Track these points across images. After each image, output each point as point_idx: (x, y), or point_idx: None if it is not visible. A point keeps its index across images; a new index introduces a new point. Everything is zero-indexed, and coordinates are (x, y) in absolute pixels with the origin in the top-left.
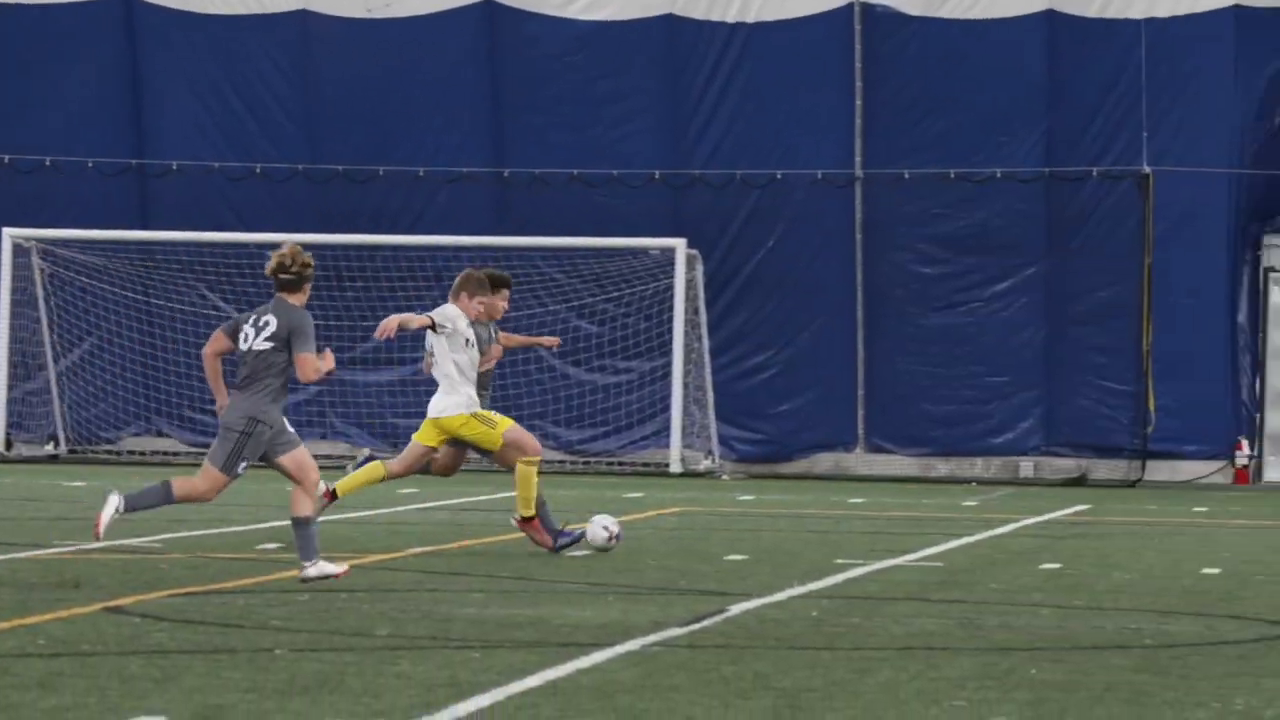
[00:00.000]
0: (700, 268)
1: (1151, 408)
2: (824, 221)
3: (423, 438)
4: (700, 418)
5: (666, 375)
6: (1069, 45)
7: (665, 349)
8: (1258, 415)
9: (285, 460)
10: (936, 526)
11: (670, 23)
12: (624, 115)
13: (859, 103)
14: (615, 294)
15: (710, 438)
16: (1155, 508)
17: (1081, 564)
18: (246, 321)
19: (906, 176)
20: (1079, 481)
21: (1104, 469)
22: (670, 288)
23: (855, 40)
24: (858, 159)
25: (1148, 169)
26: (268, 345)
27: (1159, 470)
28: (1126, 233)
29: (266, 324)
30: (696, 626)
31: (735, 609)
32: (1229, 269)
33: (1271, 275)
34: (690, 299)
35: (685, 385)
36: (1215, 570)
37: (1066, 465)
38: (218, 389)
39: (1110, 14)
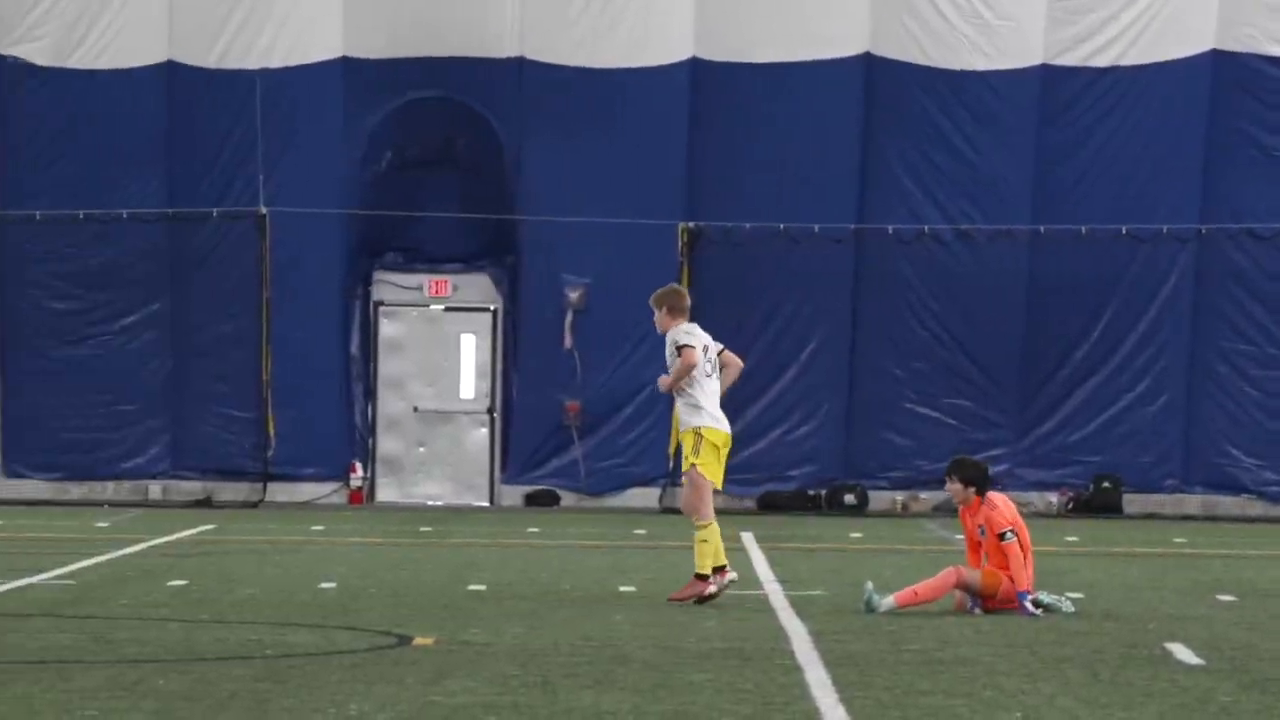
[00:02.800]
0: None
1: (271, 433)
2: None
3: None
4: None
5: None
6: (188, 93)
7: None
8: (370, 440)
9: None
10: (70, 547)
11: None
12: None
13: None
14: None
15: None
16: (276, 526)
17: (207, 580)
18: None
19: (38, 217)
20: (205, 503)
21: (229, 491)
22: None
23: None
24: None
25: (264, 209)
26: None
27: (280, 491)
28: (246, 269)
29: None
30: None
31: None
32: (341, 303)
33: (381, 309)
34: None
35: None
36: (332, 585)
37: (193, 488)
38: None
39: (227, 65)
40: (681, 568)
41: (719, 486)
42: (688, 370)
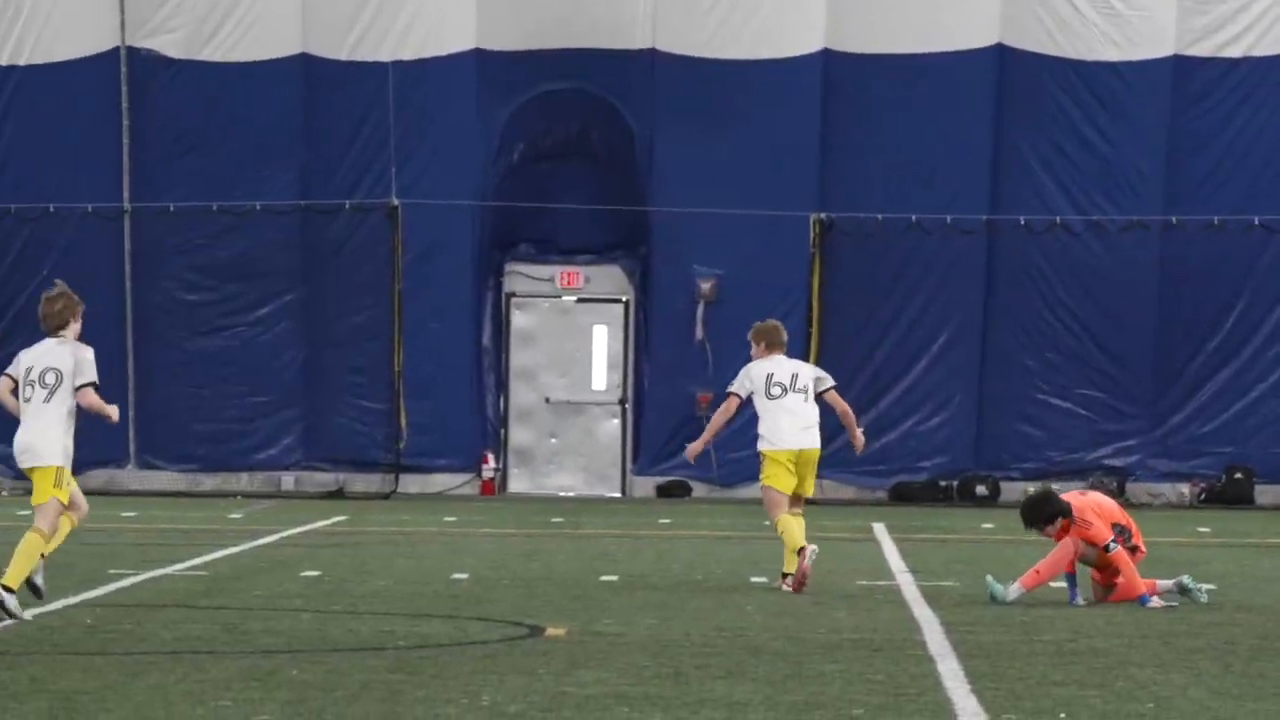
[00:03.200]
0: None
1: (404, 424)
2: (94, 252)
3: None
4: None
5: None
6: (321, 85)
7: None
8: (502, 430)
9: None
10: (204, 538)
11: None
12: None
13: (126, 140)
14: None
15: None
16: (408, 518)
17: (340, 571)
18: None
19: (172, 209)
20: (338, 494)
21: (361, 482)
22: None
23: (122, 81)
24: (126, 193)
25: (397, 201)
26: None
27: (412, 483)
28: (379, 261)
29: None
30: None
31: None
32: (473, 295)
33: (513, 300)
34: None
35: None
36: (464, 576)
37: (326, 479)
38: None
39: (360, 56)
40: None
41: (807, 493)
42: (722, 424)
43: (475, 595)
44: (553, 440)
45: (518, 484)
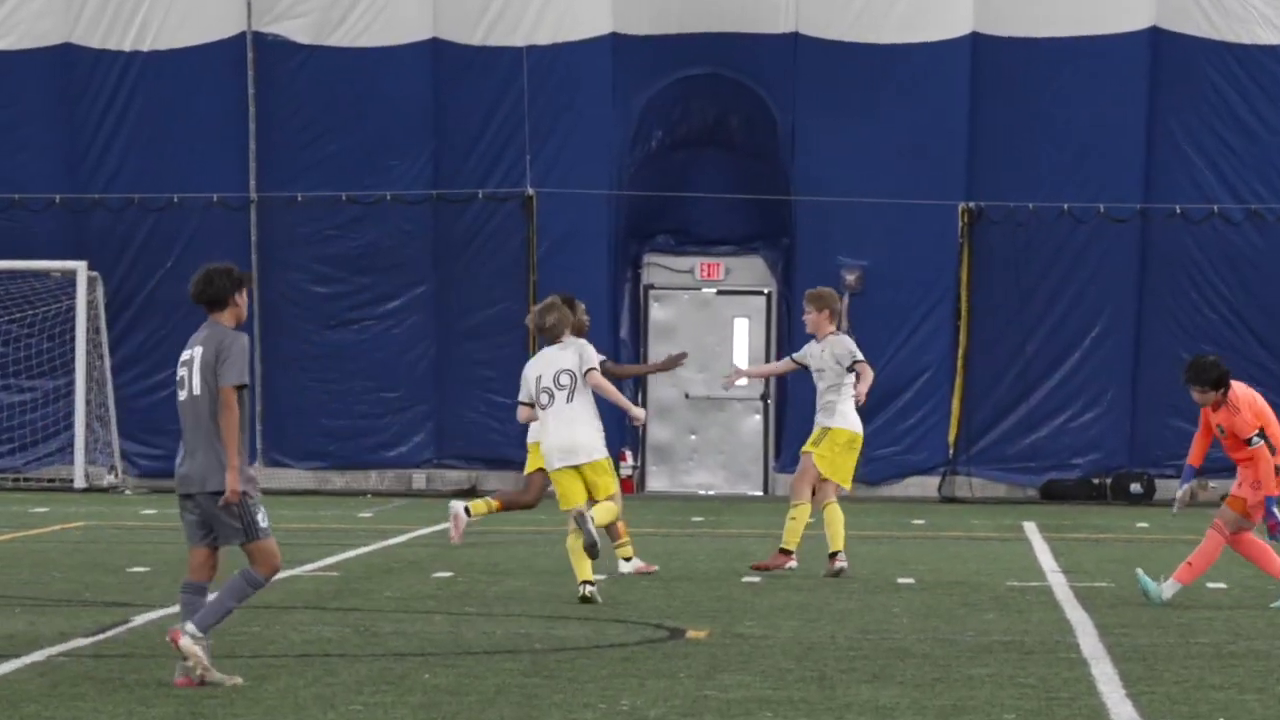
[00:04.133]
0: (101, 289)
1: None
2: (220, 243)
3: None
4: (103, 434)
5: (70, 393)
6: (453, 72)
7: (68, 368)
8: (641, 427)
9: None
10: (333, 538)
11: (67, 51)
12: (21, 142)
13: (253, 127)
14: (19, 315)
15: (113, 454)
16: (545, 517)
17: (473, 572)
18: None
19: (300, 199)
20: (471, 492)
21: (494, 480)
22: (72, 308)
23: (248, 67)
24: (252, 182)
25: (531, 190)
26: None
27: None
28: (512, 252)
29: None
30: (101, 637)
31: (139, 620)
32: (610, 286)
33: (651, 292)
34: (91, 319)
35: (88, 403)
36: (601, 577)
37: (458, 477)
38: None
39: (492, 41)
40: (963, 558)
41: (846, 487)
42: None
43: (613, 596)
44: (692, 437)
45: (656, 482)
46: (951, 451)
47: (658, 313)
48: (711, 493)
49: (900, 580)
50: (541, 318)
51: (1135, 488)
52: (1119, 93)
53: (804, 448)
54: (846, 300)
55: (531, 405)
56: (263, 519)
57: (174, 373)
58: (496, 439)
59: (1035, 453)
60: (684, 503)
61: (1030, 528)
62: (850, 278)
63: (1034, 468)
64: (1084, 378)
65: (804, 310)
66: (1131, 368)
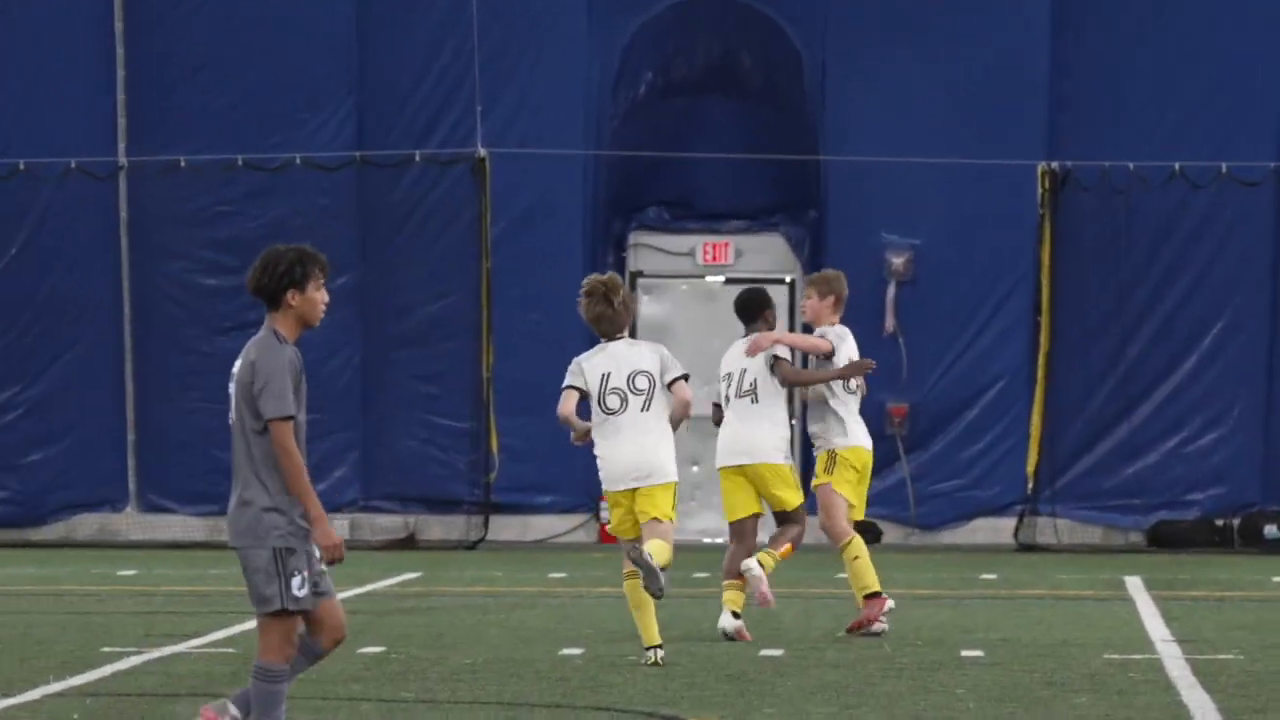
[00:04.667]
0: None
1: (495, 450)
2: (81, 221)
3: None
4: None
5: None
6: (383, 7)
7: None
8: None
9: None
10: (228, 603)
11: None
12: None
13: (121, 74)
14: None
15: None
16: (501, 574)
17: (410, 646)
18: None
19: (183, 165)
20: (408, 542)
21: (438, 527)
22: None
23: (115, 7)
24: (121, 144)
25: (484, 151)
26: None
27: (506, 527)
28: (459, 231)
29: None
30: None
31: None
32: (587, 274)
33: (640, 281)
34: None
35: None
36: (577, 651)
37: (392, 523)
38: None
39: None
40: (1047, 624)
41: (859, 515)
42: (845, 376)
43: (592, 677)
44: (694, 469)
45: None
46: (1031, 486)
47: (649, 308)
48: (720, 540)
49: (965, 653)
50: (603, 305)
51: (1271, 530)
52: (1243, 25)
53: (816, 480)
54: (892, 291)
55: (584, 395)
56: (299, 586)
57: (19, 390)
58: (440, 473)
59: (1140, 486)
60: (683, 554)
61: (1134, 584)
62: (897, 261)
63: (1138, 506)
64: (1204, 388)
65: (804, 295)
66: (1266, 374)
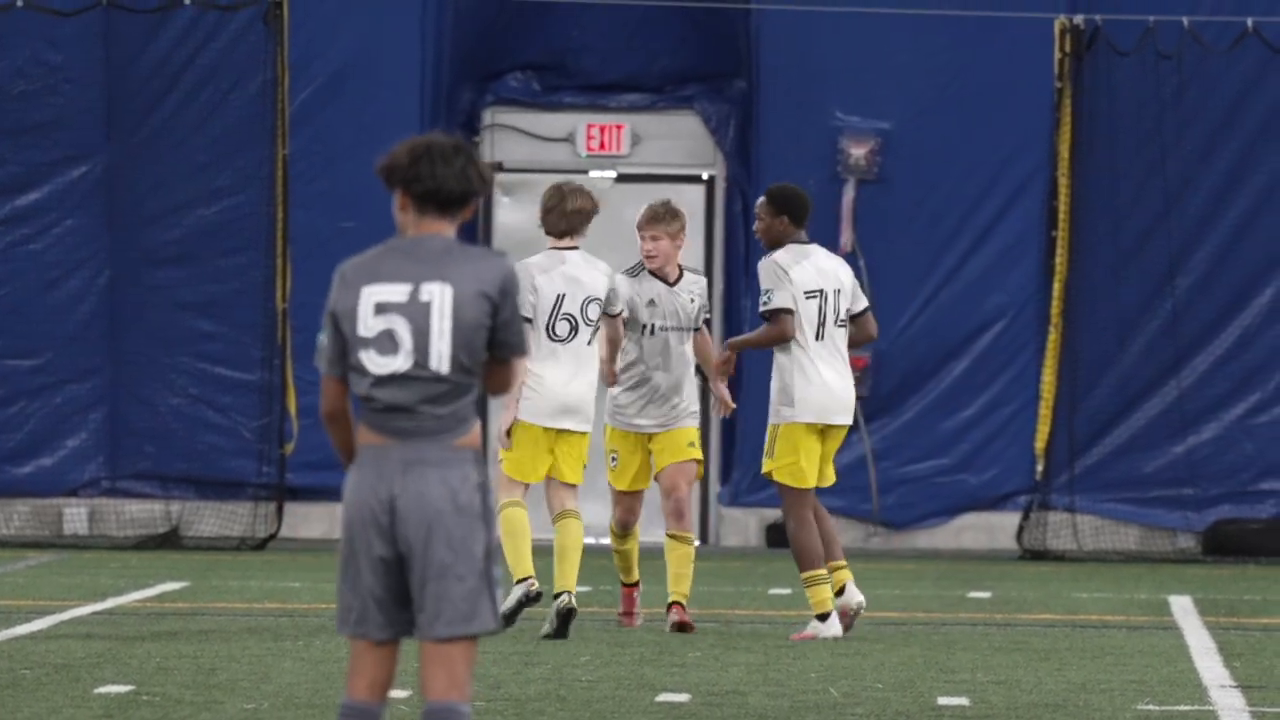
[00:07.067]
0: None
1: (292, 411)
2: None
3: None
4: None
5: None
6: None
7: None
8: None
9: None
10: None
11: None
12: None
13: None
14: None
15: None
16: (300, 585)
17: (168, 685)
18: None
19: None
20: (169, 540)
21: (211, 517)
22: None
23: None
24: None
25: None
26: None
27: (304, 518)
28: (245, 103)
29: None
30: None
31: None
32: None
33: (499, 178)
34: None
35: None
36: (402, 694)
37: (147, 513)
38: None
39: None
40: (1060, 660)
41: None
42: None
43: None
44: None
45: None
46: (1041, 469)
47: (511, 214)
48: (589, 540)
49: (943, 700)
50: (570, 198)
51: None
52: None
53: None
54: (850, 193)
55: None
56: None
57: None
58: (216, 443)
59: (1192, 472)
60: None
61: (1181, 606)
62: (857, 152)
63: (1190, 498)
64: (1269, 342)
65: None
66: None
